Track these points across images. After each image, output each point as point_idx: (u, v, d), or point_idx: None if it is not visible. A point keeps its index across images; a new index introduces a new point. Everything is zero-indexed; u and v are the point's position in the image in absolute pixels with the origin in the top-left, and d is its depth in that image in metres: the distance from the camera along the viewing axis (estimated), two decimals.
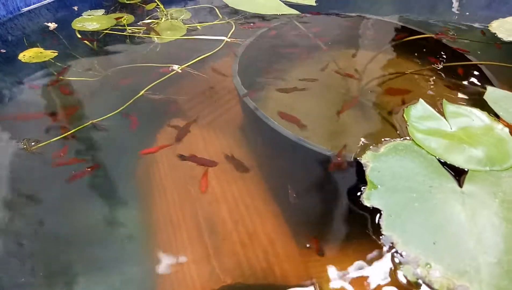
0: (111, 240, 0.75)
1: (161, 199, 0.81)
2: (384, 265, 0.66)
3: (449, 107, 0.96)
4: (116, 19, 1.47)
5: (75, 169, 0.87)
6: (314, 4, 1.61)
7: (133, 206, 0.81)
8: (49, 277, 0.68)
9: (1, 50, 1.29)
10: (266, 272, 0.68)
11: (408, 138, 0.87)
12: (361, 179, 0.77)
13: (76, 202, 0.81)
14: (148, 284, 0.68)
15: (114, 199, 0.82)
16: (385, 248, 0.68)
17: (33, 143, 0.91)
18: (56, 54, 1.26)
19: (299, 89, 1.10)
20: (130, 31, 1.41)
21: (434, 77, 1.14)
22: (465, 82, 1.11)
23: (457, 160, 0.81)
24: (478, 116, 0.93)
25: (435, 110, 0.95)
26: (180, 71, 1.16)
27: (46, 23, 1.45)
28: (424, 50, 1.27)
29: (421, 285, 0.63)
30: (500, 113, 0.93)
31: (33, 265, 0.70)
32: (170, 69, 1.16)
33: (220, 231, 0.74)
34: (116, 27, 1.43)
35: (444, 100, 0.98)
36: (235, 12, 1.55)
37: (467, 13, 1.57)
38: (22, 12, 1.54)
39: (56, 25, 1.45)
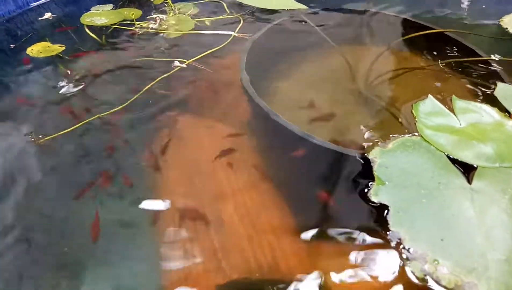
0: (117, 234, 0.75)
1: (167, 192, 0.81)
2: (391, 261, 0.66)
3: (459, 103, 0.95)
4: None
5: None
6: None
7: (139, 199, 0.81)
8: (55, 269, 0.69)
9: (10, 46, 1.30)
10: (272, 267, 0.68)
11: (416, 134, 0.86)
12: (369, 175, 0.77)
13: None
14: (154, 279, 0.68)
15: (119, 193, 0.82)
16: (392, 244, 0.67)
17: (40, 136, 0.92)
18: (64, 48, 1.26)
19: (307, 84, 1.10)
20: (138, 26, 1.41)
21: (443, 73, 1.12)
22: (475, 78, 1.09)
23: (466, 157, 0.80)
24: (488, 112, 0.91)
25: (444, 106, 0.94)
26: (185, 66, 1.16)
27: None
28: (433, 45, 1.26)
29: (428, 281, 0.62)
30: (510, 109, 0.92)
31: (40, 258, 0.70)
32: (172, 65, 1.16)
33: (226, 226, 0.74)
34: (125, 22, 1.43)
35: (453, 95, 0.97)
36: (242, 7, 1.54)
37: (484, 6, 1.54)
38: (31, 7, 1.55)
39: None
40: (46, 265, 0.69)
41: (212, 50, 1.24)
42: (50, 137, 0.92)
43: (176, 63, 1.17)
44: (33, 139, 0.91)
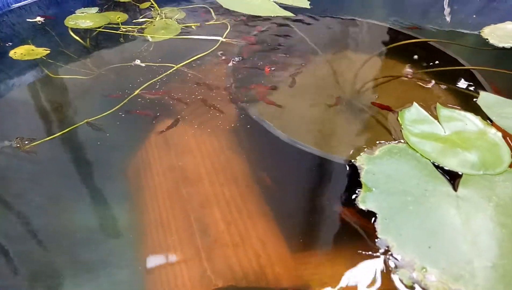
0: (100, 241, 0.73)
1: (152, 199, 0.80)
2: (379, 268, 0.66)
3: (443, 111, 0.96)
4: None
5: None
6: (308, 6, 1.61)
7: (123, 206, 0.80)
8: (34, 279, 0.67)
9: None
10: (258, 275, 0.67)
11: (402, 141, 0.87)
12: (356, 182, 0.77)
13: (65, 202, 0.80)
14: (137, 287, 0.67)
15: (103, 200, 0.81)
16: (380, 252, 0.67)
17: (26, 142, 0.90)
18: (49, 51, 1.24)
19: (293, 92, 1.10)
20: (124, 29, 1.39)
21: (427, 81, 1.14)
22: (458, 87, 1.11)
23: (451, 164, 0.81)
24: (472, 121, 0.93)
25: (429, 114, 0.96)
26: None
27: (33, 19, 1.43)
28: (417, 54, 1.28)
29: (416, 289, 0.62)
30: (493, 118, 0.94)
31: (19, 266, 0.68)
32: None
33: (212, 233, 0.73)
34: (110, 25, 1.41)
35: (437, 104, 0.99)
36: (229, 13, 1.54)
37: (474, 16, 1.57)
38: (12, 8, 1.51)
39: (43, 19, 1.44)
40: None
41: (200, 55, 1.23)
42: (36, 143, 0.90)
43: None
44: (18, 145, 0.89)
